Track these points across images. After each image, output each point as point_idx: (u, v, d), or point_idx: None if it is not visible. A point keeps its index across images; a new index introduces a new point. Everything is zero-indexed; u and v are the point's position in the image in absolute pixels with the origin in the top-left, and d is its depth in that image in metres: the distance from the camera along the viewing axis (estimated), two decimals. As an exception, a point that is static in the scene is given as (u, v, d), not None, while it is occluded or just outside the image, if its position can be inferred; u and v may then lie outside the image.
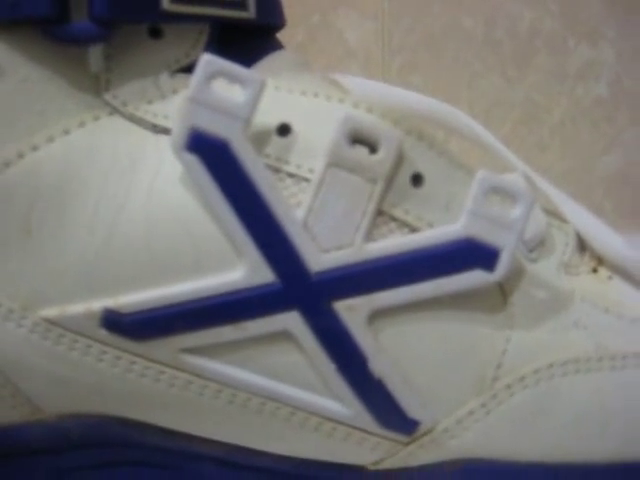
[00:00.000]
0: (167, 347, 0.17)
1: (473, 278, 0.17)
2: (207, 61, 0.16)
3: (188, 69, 0.17)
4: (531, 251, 0.19)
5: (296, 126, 0.17)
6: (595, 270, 0.20)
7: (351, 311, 0.17)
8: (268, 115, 0.17)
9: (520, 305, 0.18)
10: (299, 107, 0.18)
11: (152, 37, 0.18)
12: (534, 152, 0.46)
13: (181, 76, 0.18)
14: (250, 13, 0.18)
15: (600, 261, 0.21)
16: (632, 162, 0.42)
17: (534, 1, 0.42)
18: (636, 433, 0.18)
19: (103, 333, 0.17)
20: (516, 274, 0.19)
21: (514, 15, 0.42)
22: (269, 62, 0.19)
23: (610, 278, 0.20)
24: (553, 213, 0.21)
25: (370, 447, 0.18)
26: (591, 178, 0.43)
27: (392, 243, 0.17)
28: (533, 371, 0.18)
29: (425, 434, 0.18)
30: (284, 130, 0.17)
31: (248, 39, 0.19)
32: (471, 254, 0.17)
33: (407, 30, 0.43)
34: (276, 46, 0.20)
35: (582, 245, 0.21)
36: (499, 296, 0.18)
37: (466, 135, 0.22)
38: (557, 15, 0.42)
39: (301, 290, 0.17)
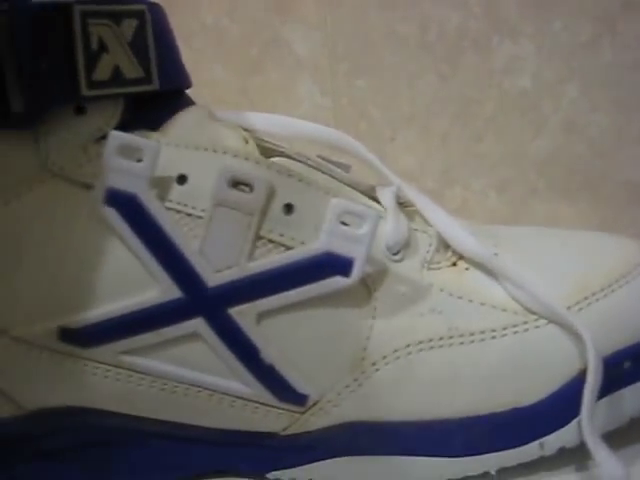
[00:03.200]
0: (109, 351, 0.23)
1: (334, 283, 0.22)
2: (113, 136, 0.21)
3: (109, 135, 0.22)
4: (395, 254, 0.24)
5: (191, 176, 0.22)
6: (455, 264, 0.25)
7: (242, 315, 0.22)
8: (170, 168, 0.22)
9: (382, 299, 0.23)
10: (193, 160, 0.23)
11: (77, 114, 0.22)
12: (472, 142, 0.50)
13: (104, 142, 0.23)
14: (155, 85, 0.23)
15: (461, 256, 0.25)
16: (559, 145, 0.47)
17: (459, 5, 0.46)
18: (480, 393, 0.23)
19: (61, 344, 0.23)
20: (380, 274, 0.24)
21: (442, 19, 0.46)
22: (177, 119, 0.24)
23: (467, 269, 0.25)
24: (423, 218, 0.26)
25: (274, 417, 0.24)
26: (524, 162, 0.47)
27: (269, 261, 0.22)
28: (393, 350, 0.23)
29: (314, 404, 0.23)
30: (182, 179, 0.22)
31: (159, 102, 0.24)
32: (330, 265, 0.22)
33: (349, 39, 0.47)
34: (184, 103, 0.25)
35: (446, 244, 0.26)
36: (364, 293, 0.23)
37: (353, 154, 0.27)
38: (480, 17, 0.46)
39: (202, 302, 0.22)
